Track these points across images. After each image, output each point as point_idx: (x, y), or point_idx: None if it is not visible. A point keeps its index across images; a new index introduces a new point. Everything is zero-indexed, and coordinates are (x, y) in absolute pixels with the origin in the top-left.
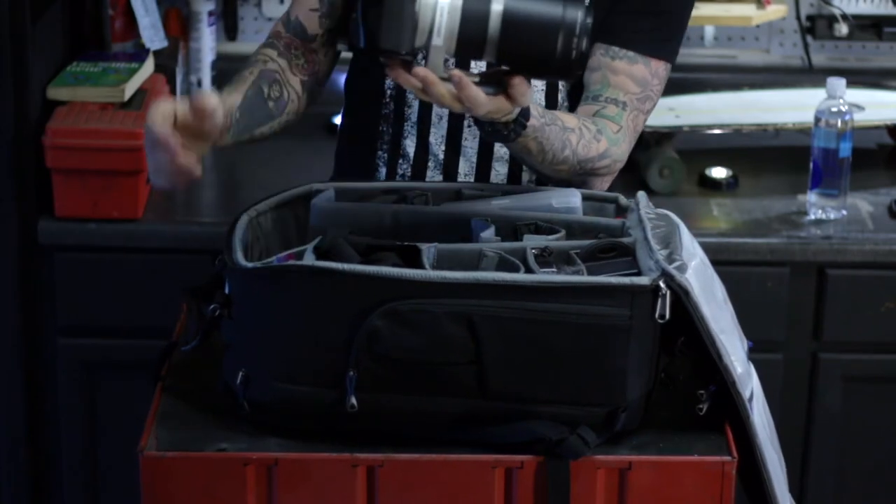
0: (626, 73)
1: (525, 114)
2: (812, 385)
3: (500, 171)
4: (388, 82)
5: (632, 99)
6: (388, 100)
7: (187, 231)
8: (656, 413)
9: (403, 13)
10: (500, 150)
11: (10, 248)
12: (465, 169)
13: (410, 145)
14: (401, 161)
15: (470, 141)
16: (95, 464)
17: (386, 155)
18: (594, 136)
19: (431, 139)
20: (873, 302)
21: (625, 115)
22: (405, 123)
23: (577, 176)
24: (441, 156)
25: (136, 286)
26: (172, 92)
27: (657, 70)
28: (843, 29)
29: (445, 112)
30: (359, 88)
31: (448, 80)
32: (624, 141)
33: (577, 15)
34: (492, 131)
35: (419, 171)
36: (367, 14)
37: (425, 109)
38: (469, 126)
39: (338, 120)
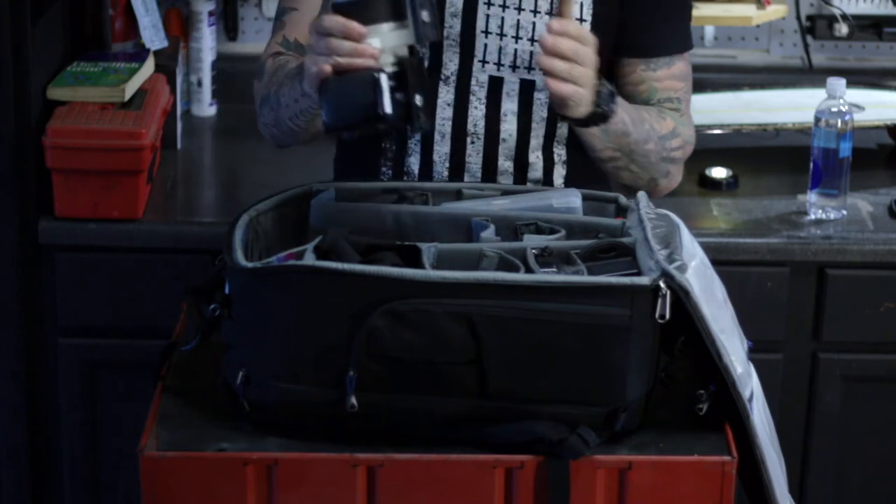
0: (668, 76)
1: (601, 80)
2: (812, 385)
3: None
4: None
5: (681, 93)
6: None
7: (187, 231)
8: (656, 413)
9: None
10: (504, 163)
11: (10, 248)
12: None
13: (415, 163)
14: (405, 178)
15: (474, 157)
16: (95, 464)
17: (390, 171)
18: (658, 114)
19: (435, 157)
20: (873, 302)
21: (682, 105)
22: (409, 141)
23: (662, 162)
24: (445, 173)
25: (136, 286)
26: (172, 93)
27: (686, 58)
28: (843, 29)
29: (448, 130)
30: None
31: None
32: (689, 125)
33: None
34: (598, 111)
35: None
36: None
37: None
38: (473, 143)
39: None
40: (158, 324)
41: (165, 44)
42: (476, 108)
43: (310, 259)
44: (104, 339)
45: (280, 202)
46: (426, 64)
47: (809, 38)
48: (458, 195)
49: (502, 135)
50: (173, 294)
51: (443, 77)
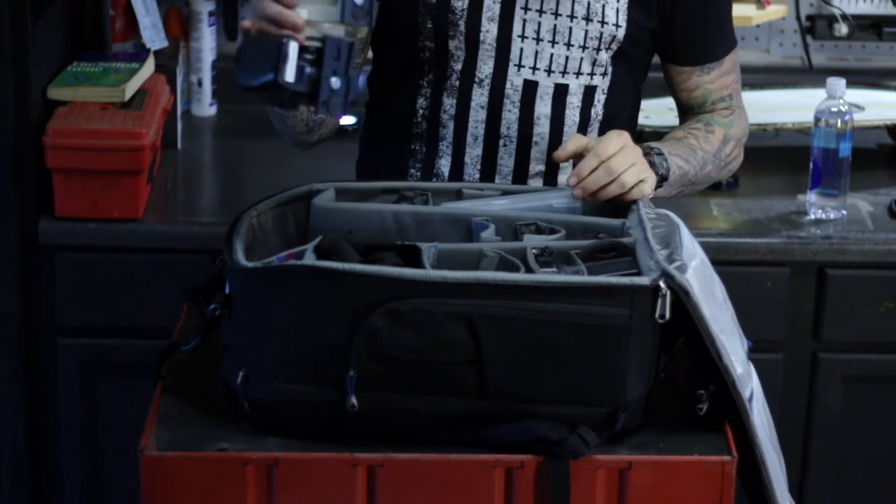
0: (720, 76)
1: (648, 145)
2: (812, 385)
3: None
4: (420, 101)
5: (732, 87)
6: (419, 119)
7: (187, 231)
8: (656, 413)
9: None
10: (536, 167)
11: (10, 248)
12: None
13: (445, 165)
14: (434, 180)
15: (505, 160)
16: (95, 464)
17: (419, 173)
18: (705, 130)
19: (466, 159)
20: (873, 302)
21: (733, 100)
22: (440, 143)
23: (722, 170)
24: (476, 175)
25: (136, 286)
26: (173, 92)
27: (735, 52)
28: (842, 29)
29: (481, 133)
30: (386, 107)
31: None
32: (739, 118)
33: None
34: (657, 178)
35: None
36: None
37: (460, 130)
38: (505, 146)
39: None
40: (158, 324)
41: (165, 44)
42: (510, 111)
43: (310, 259)
44: (104, 339)
45: (280, 202)
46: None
47: (809, 38)
48: (458, 195)
49: (535, 138)
50: (173, 294)
51: (477, 80)
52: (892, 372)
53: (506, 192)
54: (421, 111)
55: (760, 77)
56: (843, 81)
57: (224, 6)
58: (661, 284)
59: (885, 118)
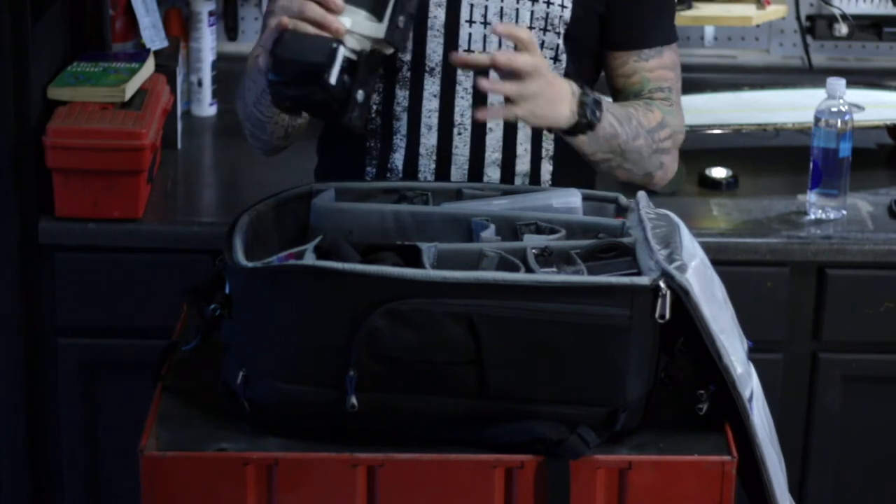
0: (659, 66)
1: (586, 90)
2: (812, 385)
3: (491, 177)
4: (374, 97)
5: (671, 82)
6: (373, 115)
7: (187, 231)
8: (656, 413)
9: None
10: (492, 154)
11: (10, 248)
12: (457, 177)
13: (399, 159)
14: (389, 175)
15: (461, 148)
16: (95, 464)
17: (375, 170)
18: (646, 108)
19: (422, 150)
20: (873, 302)
21: (672, 94)
22: (394, 137)
23: (654, 155)
24: (432, 166)
25: (136, 286)
26: (173, 92)
27: (675, 49)
28: (842, 29)
29: (435, 122)
30: None
31: None
32: (678, 115)
33: None
34: (583, 121)
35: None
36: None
37: (414, 121)
38: (459, 134)
39: None
40: (158, 324)
41: (165, 44)
42: (462, 98)
43: (310, 259)
44: (104, 339)
45: (280, 202)
46: (407, 62)
47: (809, 38)
48: (458, 195)
49: (489, 124)
50: (173, 294)
51: (427, 69)
52: (892, 372)
53: (506, 192)
54: (375, 107)
55: (760, 77)
56: (843, 81)
57: (224, 6)
58: (661, 284)
59: (885, 118)
